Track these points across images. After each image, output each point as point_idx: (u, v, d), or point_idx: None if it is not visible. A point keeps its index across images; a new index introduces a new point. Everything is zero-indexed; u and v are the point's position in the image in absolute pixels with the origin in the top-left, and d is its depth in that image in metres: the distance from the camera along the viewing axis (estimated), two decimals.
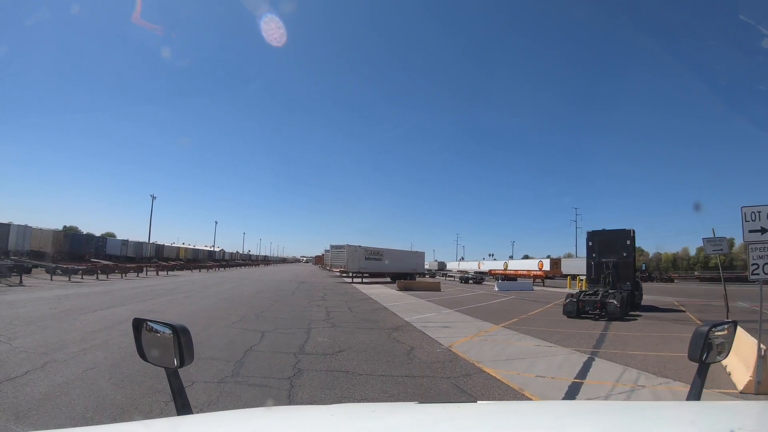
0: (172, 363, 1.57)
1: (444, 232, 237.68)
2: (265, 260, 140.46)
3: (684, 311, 19.24)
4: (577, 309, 16.28)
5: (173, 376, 1.57)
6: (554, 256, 73.11)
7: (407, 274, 42.06)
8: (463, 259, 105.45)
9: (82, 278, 26.79)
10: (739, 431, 1.13)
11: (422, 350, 9.19)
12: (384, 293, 26.56)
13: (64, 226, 60.88)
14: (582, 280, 38.85)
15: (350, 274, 40.32)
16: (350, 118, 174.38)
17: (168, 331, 1.60)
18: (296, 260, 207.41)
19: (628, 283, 18.91)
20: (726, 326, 1.85)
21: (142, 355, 1.67)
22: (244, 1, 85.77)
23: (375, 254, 43.25)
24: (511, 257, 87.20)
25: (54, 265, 27.04)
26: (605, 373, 7.72)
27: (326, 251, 57.77)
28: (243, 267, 77.68)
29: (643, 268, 38.43)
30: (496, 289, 33.02)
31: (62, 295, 17.07)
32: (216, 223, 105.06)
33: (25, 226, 37.86)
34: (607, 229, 21.69)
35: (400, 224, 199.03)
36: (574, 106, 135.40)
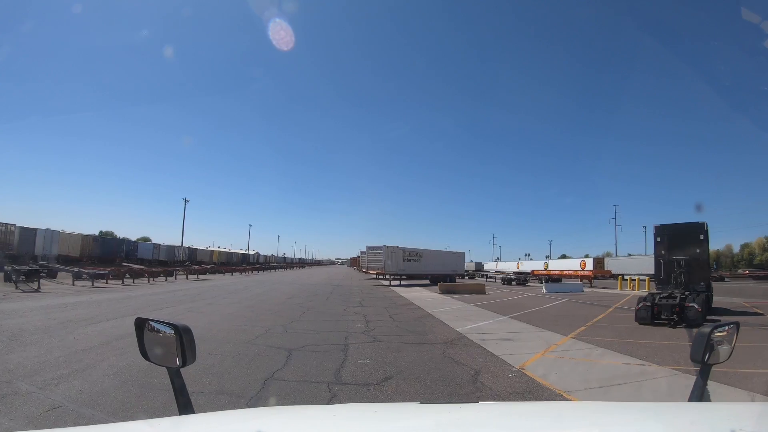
0: (174, 362, 1.56)
1: (477, 232, 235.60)
2: (300, 263, 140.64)
3: (763, 314, 16.77)
4: (651, 314, 14.13)
5: (175, 376, 1.56)
6: (592, 255, 69.82)
7: (447, 276, 39.73)
8: (499, 259, 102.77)
9: (107, 283, 25.90)
10: None
11: (490, 375, 7.12)
12: (426, 297, 24.32)
13: (100, 231, 61.94)
14: (635, 280, 36.40)
15: (388, 277, 38.26)
16: (371, 120, 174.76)
17: (170, 330, 1.59)
18: (331, 262, 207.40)
19: (702, 283, 16.63)
20: (727, 327, 1.83)
21: (145, 354, 1.66)
22: (252, 7, 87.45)
23: (414, 255, 40.81)
24: (548, 257, 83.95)
25: (77, 270, 26.27)
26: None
27: (362, 253, 55.76)
28: (277, 270, 76.65)
29: (715, 267, 34.86)
30: (544, 291, 30.36)
31: (72, 302, 15.84)
32: (250, 226, 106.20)
33: (52, 231, 37.97)
34: (675, 223, 19.15)
35: (432, 226, 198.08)
36: (577, 104, 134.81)
